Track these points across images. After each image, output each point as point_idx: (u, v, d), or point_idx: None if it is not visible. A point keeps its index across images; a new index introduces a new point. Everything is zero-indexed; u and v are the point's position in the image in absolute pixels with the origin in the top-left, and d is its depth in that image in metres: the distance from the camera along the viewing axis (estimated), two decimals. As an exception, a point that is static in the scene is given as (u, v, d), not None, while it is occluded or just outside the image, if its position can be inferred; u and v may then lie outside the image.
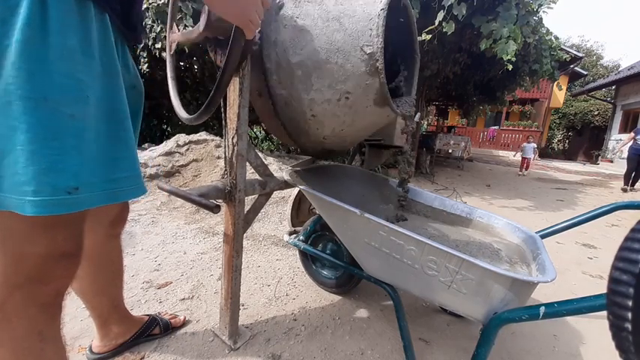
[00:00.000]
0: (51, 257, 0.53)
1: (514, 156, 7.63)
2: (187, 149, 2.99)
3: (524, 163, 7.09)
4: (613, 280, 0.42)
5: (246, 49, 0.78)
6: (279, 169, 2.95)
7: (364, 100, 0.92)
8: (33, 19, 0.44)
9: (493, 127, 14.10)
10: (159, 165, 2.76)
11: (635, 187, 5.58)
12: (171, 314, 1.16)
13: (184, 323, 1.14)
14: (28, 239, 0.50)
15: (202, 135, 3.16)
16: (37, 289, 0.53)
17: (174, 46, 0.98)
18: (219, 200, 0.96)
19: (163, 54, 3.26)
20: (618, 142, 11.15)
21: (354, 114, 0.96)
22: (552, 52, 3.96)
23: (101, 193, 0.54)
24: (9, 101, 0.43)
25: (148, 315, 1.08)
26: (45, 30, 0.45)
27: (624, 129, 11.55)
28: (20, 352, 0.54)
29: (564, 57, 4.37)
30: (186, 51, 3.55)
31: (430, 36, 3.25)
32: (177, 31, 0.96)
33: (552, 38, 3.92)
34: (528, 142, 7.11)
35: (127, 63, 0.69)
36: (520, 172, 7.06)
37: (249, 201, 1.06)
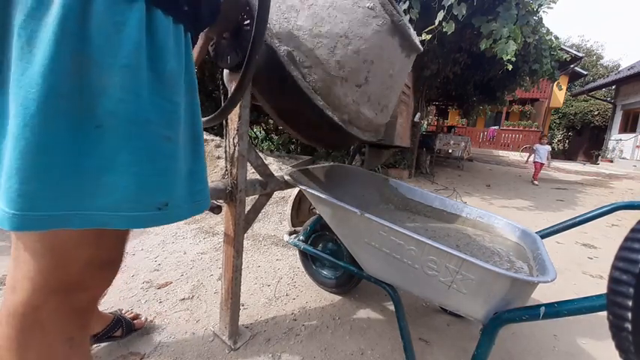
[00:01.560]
0: (94, 264, 0.53)
1: (526, 162, 6.48)
2: (187, 149, 2.99)
3: (538, 168, 5.76)
4: (613, 280, 0.42)
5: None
6: (279, 169, 2.95)
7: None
8: (140, 43, 0.44)
9: (493, 127, 14.10)
10: (159, 165, 2.75)
11: None
12: (133, 313, 1.13)
13: (145, 326, 1.12)
14: (77, 246, 0.50)
15: (202, 135, 3.16)
16: (75, 294, 0.53)
17: None
18: (220, 200, 0.96)
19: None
20: (618, 142, 11.15)
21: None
22: (552, 52, 3.96)
23: (186, 207, 0.55)
24: (116, 125, 0.44)
25: (112, 313, 1.06)
26: (153, 55, 0.46)
27: (624, 129, 11.56)
28: (48, 358, 0.53)
29: (564, 57, 4.37)
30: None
31: (430, 36, 3.24)
32: None
33: (552, 38, 3.93)
34: (542, 144, 5.78)
35: None
36: (535, 182, 5.76)
37: (249, 201, 1.07)
